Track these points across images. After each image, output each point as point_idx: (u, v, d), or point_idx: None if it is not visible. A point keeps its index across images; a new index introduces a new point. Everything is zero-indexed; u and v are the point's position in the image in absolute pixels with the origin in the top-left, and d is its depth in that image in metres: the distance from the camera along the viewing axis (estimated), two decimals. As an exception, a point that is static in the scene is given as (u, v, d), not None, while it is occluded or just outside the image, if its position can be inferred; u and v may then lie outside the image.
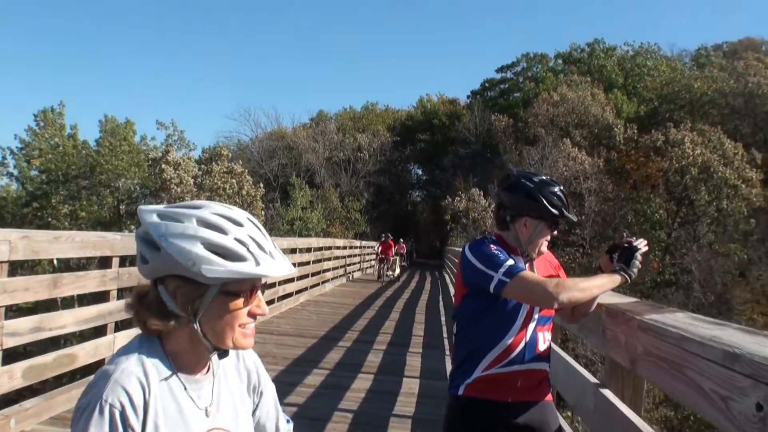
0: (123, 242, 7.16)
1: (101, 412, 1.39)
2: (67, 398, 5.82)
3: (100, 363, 6.71)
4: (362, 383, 7.76)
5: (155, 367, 1.51)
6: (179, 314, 1.52)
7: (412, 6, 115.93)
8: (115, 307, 6.96)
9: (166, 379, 1.52)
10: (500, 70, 62.48)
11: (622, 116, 43.90)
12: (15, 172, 34.47)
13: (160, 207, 1.56)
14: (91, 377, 1.50)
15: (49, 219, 30.18)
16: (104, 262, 6.85)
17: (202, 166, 31.48)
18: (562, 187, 2.95)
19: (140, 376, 1.47)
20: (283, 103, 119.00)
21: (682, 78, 47.02)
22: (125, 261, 7.26)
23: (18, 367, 5.36)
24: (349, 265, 25.29)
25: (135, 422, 1.42)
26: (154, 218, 1.53)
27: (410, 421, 6.26)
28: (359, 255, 28.77)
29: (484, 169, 47.67)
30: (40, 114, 35.07)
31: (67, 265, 19.53)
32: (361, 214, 43.68)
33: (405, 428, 6.03)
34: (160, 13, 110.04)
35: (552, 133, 41.09)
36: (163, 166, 28.85)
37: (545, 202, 2.85)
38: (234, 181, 29.90)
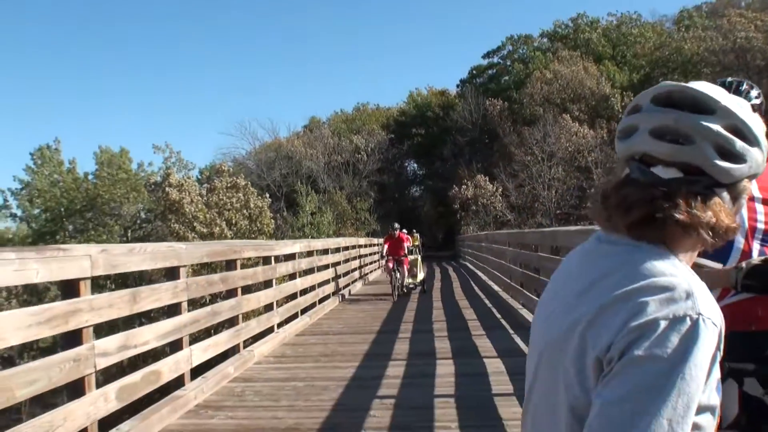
0: (188, 252, 6.92)
1: (706, 327, 1.11)
2: (159, 417, 5.55)
3: (180, 378, 6.46)
4: (445, 368, 7.51)
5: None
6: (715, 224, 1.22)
7: (388, 2, 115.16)
8: (189, 320, 6.73)
9: None
10: (486, 55, 62.34)
11: (616, 86, 43.75)
12: (18, 213, 34.23)
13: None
14: None
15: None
16: (171, 274, 6.60)
17: (205, 184, 31.24)
18: None
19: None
20: (276, 113, 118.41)
21: (672, 41, 46.90)
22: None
23: (112, 389, 5.10)
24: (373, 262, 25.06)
25: (718, 349, 1.15)
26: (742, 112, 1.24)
27: (514, 398, 5.99)
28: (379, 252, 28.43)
29: (484, 155, 47.53)
30: (36, 152, 34.85)
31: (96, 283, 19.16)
32: (370, 213, 43.40)
33: (513, 405, 5.76)
34: (143, 38, 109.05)
35: (550, 111, 40.90)
36: (167, 189, 28.55)
37: None
38: (240, 194, 29.63)
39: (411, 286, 17.63)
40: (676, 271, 1.17)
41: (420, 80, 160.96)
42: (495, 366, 7.52)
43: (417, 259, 18.54)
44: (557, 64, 45.63)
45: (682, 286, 1.13)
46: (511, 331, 10.07)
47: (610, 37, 54.51)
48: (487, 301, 14.73)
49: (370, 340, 9.85)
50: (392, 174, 55.20)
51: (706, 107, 1.22)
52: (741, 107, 1.24)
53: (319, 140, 52.92)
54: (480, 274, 22.69)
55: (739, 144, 1.21)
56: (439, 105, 58.38)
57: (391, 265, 16.56)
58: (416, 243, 24.14)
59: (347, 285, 18.14)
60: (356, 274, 20.17)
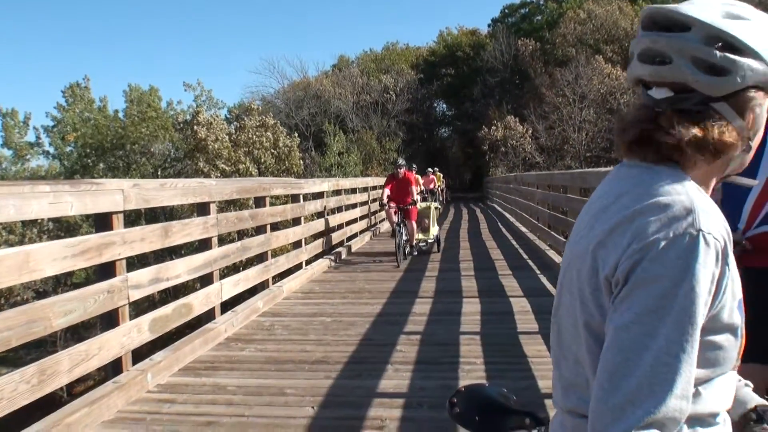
0: (218, 188, 6.99)
1: (707, 243, 1.11)
2: (191, 348, 5.69)
3: (211, 312, 6.58)
4: (471, 307, 7.57)
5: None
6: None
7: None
8: (219, 254, 6.82)
9: None
10: (520, -7, 60.98)
11: (652, 26, 42.64)
12: (51, 150, 34.52)
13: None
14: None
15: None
16: (201, 209, 6.69)
17: (234, 123, 31.25)
18: None
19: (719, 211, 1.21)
20: (305, 52, 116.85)
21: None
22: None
23: (145, 320, 5.23)
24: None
25: (725, 263, 1.15)
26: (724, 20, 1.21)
27: (539, 336, 6.04)
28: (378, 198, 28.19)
29: (514, 96, 46.93)
30: (67, 90, 34.94)
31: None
32: (398, 153, 43.23)
33: (538, 343, 5.81)
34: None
35: (583, 52, 40.09)
36: (195, 127, 28.61)
37: None
38: (269, 134, 29.62)
39: (422, 244, 13.14)
40: (682, 189, 1.17)
41: (450, 19, 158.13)
42: (521, 305, 7.58)
43: (430, 208, 13.60)
44: (591, 4, 44.57)
45: (683, 204, 1.14)
46: (537, 272, 10.11)
47: (647, -24, 52.97)
48: (514, 242, 14.74)
49: (397, 278, 9.95)
50: (421, 114, 54.78)
51: (681, 24, 1.20)
52: (731, 18, 1.21)
53: (347, 79, 52.52)
54: (508, 215, 22.64)
55: (720, 55, 1.18)
56: (469, 45, 57.47)
57: (394, 216, 12.38)
58: (440, 184, 22.87)
59: (375, 224, 18.24)
60: (383, 213, 20.24)
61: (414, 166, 21.75)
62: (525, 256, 12.09)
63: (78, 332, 15.12)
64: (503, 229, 18.61)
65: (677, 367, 1.07)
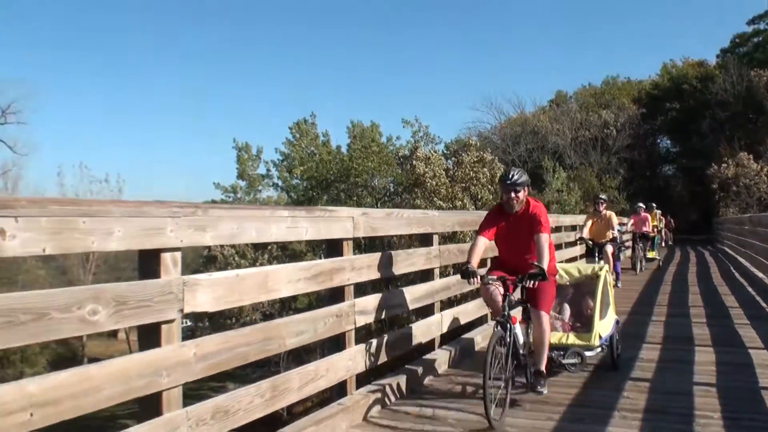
0: (441, 219, 7.05)
1: None
2: (412, 377, 5.72)
3: (431, 343, 6.58)
4: (705, 356, 7.02)
5: None
6: None
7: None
8: (441, 286, 6.84)
9: None
10: (752, 21, 56.91)
11: None
12: (279, 182, 36.93)
13: None
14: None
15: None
16: (425, 240, 6.75)
17: (452, 158, 31.66)
18: None
19: None
20: (521, 88, 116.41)
21: None
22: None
23: (370, 346, 5.32)
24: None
25: None
26: None
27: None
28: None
29: (747, 131, 43.76)
30: (294, 126, 37.31)
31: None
32: (619, 191, 41.65)
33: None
34: (384, 14, 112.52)
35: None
36: (414, 162, 29.32)
37: None
38: (485, 169, 29.69)
39: (572, 360, 5.90)
40: None
41: (674, 51, 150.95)
42: (762, 358, 6.90)
43: (598, 278, 6.59)
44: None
45: None
46: (782, 322, 9.19)
47: None
48: (750, 289, 13.59)
49: (621, 321, 9.45)
50: (643, 151, 52.39)
51: None
52: None
53: (565, 115, 51.60)
54: (741, 259, 20.99)
55: None
56: (696, 77, 54.31)
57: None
58: (655, 223, 20.31)
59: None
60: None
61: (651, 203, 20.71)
62: (763, 304, 11.08)
63: (300, 356, 15.87)
64: (736, 274, 17.22)
65: None
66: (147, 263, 3.25)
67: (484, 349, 5.00)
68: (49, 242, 2.67)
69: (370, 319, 5.39)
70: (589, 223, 12.26)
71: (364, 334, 6.75)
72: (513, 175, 5.35)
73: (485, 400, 4.54)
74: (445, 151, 38.11)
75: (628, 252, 18.95)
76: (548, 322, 5.45)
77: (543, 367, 5.42)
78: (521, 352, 5.20)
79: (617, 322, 6.60)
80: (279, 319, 4.33)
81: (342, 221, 4.95)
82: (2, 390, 2.45)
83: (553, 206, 34.48)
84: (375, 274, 5.51)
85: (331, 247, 4.98)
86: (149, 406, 3.19)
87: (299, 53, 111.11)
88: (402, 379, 5.54)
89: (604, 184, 41.31)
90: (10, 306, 2.47)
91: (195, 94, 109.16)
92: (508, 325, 5.02)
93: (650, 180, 52.45)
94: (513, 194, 5.30)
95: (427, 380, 5.97)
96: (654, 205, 22.91)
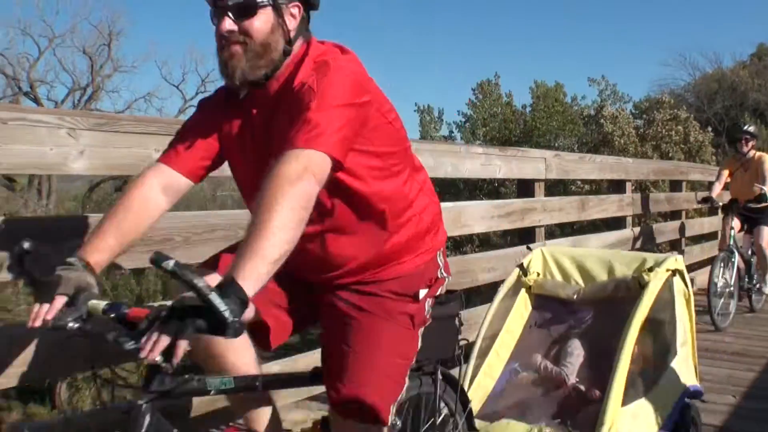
0: (635, 166, 6.87)
1: None
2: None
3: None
4: None
5: None
6: None
7: None
8: (632, 235, 6.68)
9: None
10: None
11: None
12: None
13: None
14: None
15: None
16: (617, 186, 6.62)
17: (640, 118, 30.39)
18: None
19: None
20: (719, 42, 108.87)
21: None
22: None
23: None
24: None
25: None
26: None
27: None
28: None
29: None
30: (477, 87, 37.16)
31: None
32: (830, 151, 38.16)
33: None
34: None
35: None
36: (601, 121, 28.44)
37: None
38: (680, 128, 28.30)
39: None
40: None
41: None
42: None
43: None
44: None
45: None
46: None
47: None
48: None
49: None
50: None
51: None
52: None
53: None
54: None
55: None
56: None
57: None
58: None
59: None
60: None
61: None
62: None
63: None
64: None
65: None
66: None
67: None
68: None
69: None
70: (725, 173, 6.98)
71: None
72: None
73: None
74: (633, 111, 36.63)
75: None
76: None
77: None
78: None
79: (687, 395, 2.78)
80: (473, 255, 4.44)
81: (534, 161, 4.95)
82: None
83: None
84: (566, 218, 5.49)
85: (523, 187, 5.01)
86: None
87: (479, 15, 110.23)
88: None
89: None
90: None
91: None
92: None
93: None
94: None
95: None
96: None
